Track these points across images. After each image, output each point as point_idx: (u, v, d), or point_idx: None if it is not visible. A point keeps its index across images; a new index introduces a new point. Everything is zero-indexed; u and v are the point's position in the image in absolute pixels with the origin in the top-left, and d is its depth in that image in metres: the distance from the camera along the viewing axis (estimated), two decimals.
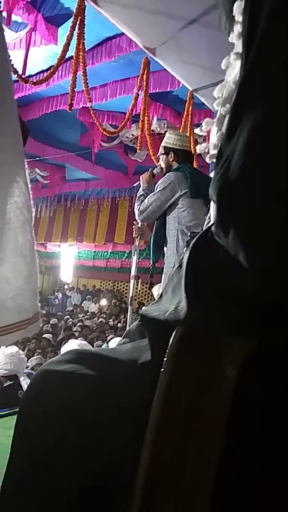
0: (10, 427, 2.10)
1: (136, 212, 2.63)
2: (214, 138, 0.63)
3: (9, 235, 0.81)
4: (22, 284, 0.85)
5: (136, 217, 2.66)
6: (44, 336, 7.15)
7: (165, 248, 2.59)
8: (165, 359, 0.51)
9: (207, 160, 0.63)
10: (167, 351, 0.51)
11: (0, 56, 0.75)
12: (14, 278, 0.84)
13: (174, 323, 0.53)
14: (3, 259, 0.80)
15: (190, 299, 0.52)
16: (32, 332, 0.89)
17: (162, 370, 0.51)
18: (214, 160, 0.55)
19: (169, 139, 2.70)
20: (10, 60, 0.87)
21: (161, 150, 2.72)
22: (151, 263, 2.70)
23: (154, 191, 2.58)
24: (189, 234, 2.40)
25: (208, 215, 0.73)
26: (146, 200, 2.56)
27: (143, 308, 0.79)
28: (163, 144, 2.72)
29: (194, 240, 0.58)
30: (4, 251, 0.81)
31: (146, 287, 3.09)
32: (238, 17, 0.59)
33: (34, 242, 0.86)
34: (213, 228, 0.52)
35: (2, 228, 0.80)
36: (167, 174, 2.59)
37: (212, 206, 0.64)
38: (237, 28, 0.60)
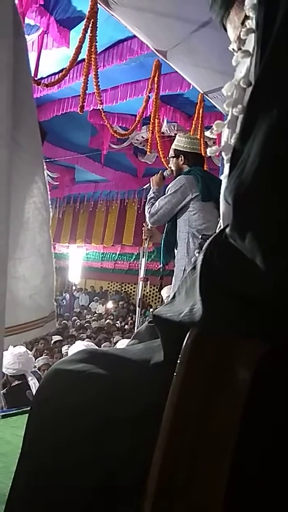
0: (18, 426, 2.10)
1: (147, 215, 2.63)
2: (227, 139, 0.63)
3: (27, 234, 0.82)
4: (40, 283, 0.86)
5: (147, 220, 2.66)
6: (54, 336, 7.16)
7: (175, 251, 2.58)
8: (179, 360, 0.51)
9: (225, 162, 0.63)
10: (181, 352, 0.52)
11: (22, 60, 0.76)
12: (32, 277, 0.85)
13: (189, 324, 0.53)
14: (21, 258, 0.81)
15: (205, 301, 0.52)
16: (48, 330, 0.90)
17: (176, 371, 0.51)
18: (228, 163, 0.55)
19: (179, 142, 2.70)
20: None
21: (171, 153, 2.72)
22: (161, 265, 2.70)
23: (164, 194, 2.58)
24: (200, 236, 2.40)
25: (221, 217, 0.72)
26: (157, 203, 2.56)
27: (156, 309, 0.79)
28: (173, 147, 2.71)
29: (207, 242, 0.58)
30: (22, 250, 0.82)
31: (154, 289, 3.09)
32: (249, 12, 0.58)
33: (51, 242, 0.87)
34: (227, 230, 0.52)
35: (20, 227, 0.81)
36: (178, 177, 2.59)
37: (225, 208, 0.64)
38: (249, 23, 0.59)
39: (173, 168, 2.70)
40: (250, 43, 0.58)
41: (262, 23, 0.50)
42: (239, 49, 0.71)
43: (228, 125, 0.63)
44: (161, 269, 2.71)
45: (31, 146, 0.80)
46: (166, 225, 2.61)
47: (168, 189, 2.56)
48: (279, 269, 0.45)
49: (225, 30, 0.78)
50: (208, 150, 0.74)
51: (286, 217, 0.44)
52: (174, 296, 0.66)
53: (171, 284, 2.70)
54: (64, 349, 5.84)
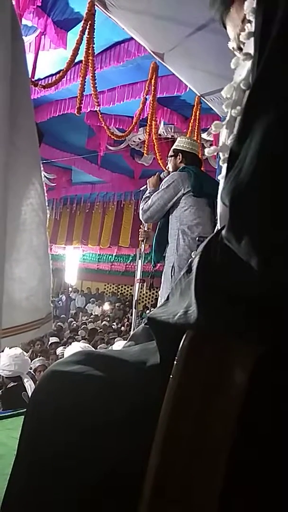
0: (14, 428, 2.09)
1: (140, 211, 2.64)
2: (224, 140, 0.63)
3: (24, 236, 0.83)
4: (36, 284, 0.86)
5: (140, 217, 2.67)
6: (51, 338, 7.15)
7: (166, 249, 2.60)
8: (175, 362, 0.52)
9: (220, 163, 0.63)
10: (177, 354, 0.52)
11: (20, 62, 0.76)
12: (28, 278, 0.85)
13: (184, 327, 0.53)
14: (18, 259, 0.82)
15: (200, 303, 0.52)
16: (44, 332, 0.90)
17: (172, 372, 0.51)
18: (226, 164, 0.55)
19: (179, 142, 2.72)
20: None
21: (170, 152, 2.73)
22: (152, 263, 2.70)
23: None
24: (197, 239, 2.40)
25: (218, 217, 0.72)
26: (149, 200, 2.57)
27: (150, 311, 0.79)
28: (173, 147, 2.73)
29: (203, 244, 0.58)
30: (19, 252, 0.82)
31: (151, 291, 3.09)
32: (249, 16, 0.58)
33: (48, 243, 0.87)
34: (223, 232, 0.52)
35: (17, 229, 0.81)
36: (171, 173, 2.60)
37: (222, 209, 0.64)
38: (248, 27, 0.60)
39: (170, 168, 2.71)
40: (251, 46, 0.58)
41: (260, 27, 0.50)
42: (239, 47, 0.72)
43: (226, 125, 0.63)
44: (152, 267, 2.71)
45: (28, 147, 0.81)
46: (159, 222, 2.62)
47: (161, 185, 2.57)
48: (274, 273, 0.45)
49: (225, 27, 0.78)
50: (206, 150, 0.75)
51: (282, 221, 0.44)
52: (167, 298, 0.66)
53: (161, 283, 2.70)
54: (58, 350, 5.83)
